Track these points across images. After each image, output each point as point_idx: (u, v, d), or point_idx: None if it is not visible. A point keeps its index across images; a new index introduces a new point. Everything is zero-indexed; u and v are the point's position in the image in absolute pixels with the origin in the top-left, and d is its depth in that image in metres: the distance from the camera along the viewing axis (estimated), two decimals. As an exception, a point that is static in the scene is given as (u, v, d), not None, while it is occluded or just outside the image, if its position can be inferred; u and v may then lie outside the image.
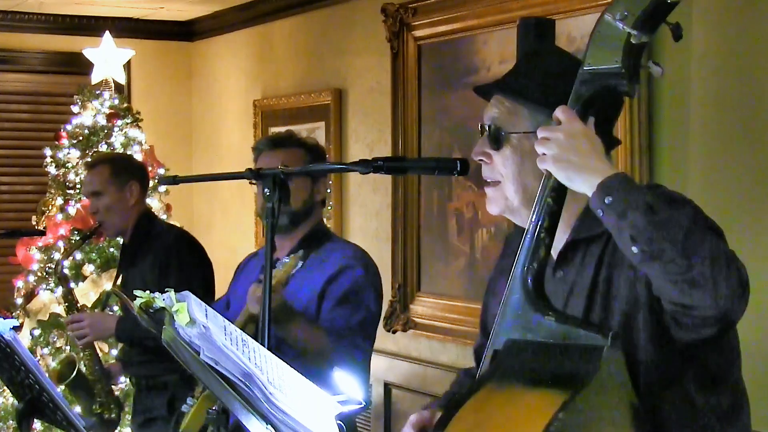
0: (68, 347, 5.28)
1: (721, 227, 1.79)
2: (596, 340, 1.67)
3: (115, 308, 5.02)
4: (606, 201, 1.70)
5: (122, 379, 5.28)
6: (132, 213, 4.08)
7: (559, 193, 1.81)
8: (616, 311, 1.91)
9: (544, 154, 1.79)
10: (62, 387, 4.01)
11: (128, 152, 5.76)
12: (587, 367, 1.63)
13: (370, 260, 3.21)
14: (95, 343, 4.19)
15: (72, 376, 3.99)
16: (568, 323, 1.72)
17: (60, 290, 4.35)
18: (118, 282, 4.36)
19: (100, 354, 5.12)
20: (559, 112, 1.80)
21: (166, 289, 1.71)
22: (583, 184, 1.75)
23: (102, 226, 4.13)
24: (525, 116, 2.02)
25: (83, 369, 4.14)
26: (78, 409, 4.15)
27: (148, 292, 1.69)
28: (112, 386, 4.27)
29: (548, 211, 1.81)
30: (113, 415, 4.11)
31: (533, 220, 1.82)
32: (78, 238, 4.49)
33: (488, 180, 2.06)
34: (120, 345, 4.50)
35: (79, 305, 4.34)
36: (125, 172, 4.09)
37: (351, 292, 3.06)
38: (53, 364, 4.18)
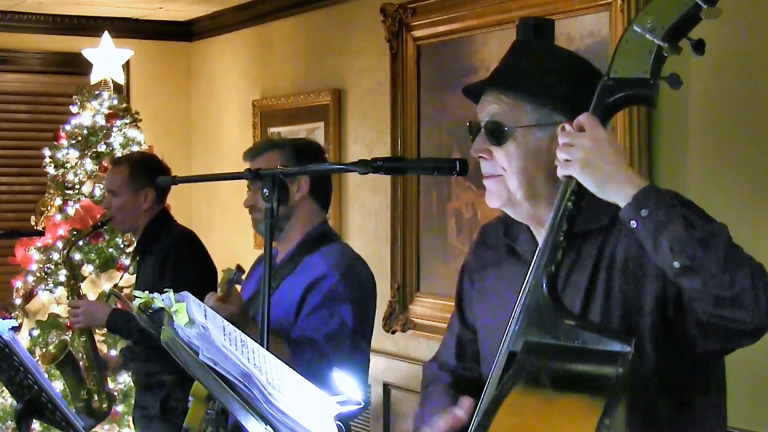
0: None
1: None
2: (619, 346, 1.69)
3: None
4: (642, 213, 1.72)
5: (123, 378, 5.29)
6: (144, 216, 4.15)
7: (578, 197, 1.83)
8: (615, 316, 1.93)
9: (566, 159, 1.80)
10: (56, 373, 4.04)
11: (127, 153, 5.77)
12: (614, 371, 1.65)
13: (354, 269, 3.09)
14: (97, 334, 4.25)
15: (62, 356, 4.02)
16: (588, 328, 1.74)
17: (65, 275, 4.40)
18: (126, 278, 4.42)
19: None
20: (583, 119, 1.81)
21: (165, 289, 1.70)
22: (614, 193, 1.77)
23: (112, 221, 4.23)
24: (528, 110, 2.02)
25: (78, 354, 4.19)
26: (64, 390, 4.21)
27: (147, 292, 1.69)
28: (107, 378, 4.29)
29: (568, 215, 1.82)
30: (104, 406, 4.13)
31: (552, 225, 1.83)
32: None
33: (488, 174, 2.06)
34: (118, 344, 4.53)
35: (81, 292, 4.40)
36: (143, 177, 4.13)
37: (323, 302, 2.98)
38: (50, 348, 4.24)
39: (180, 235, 4.19)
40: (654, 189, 1.75)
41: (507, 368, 1.77)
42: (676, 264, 1.69)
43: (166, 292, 1.69)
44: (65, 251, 4.49)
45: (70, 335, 5.07)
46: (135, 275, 4.35)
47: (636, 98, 1.83)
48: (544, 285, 1.79)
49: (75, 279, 4.40)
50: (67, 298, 4.38)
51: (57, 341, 4.39)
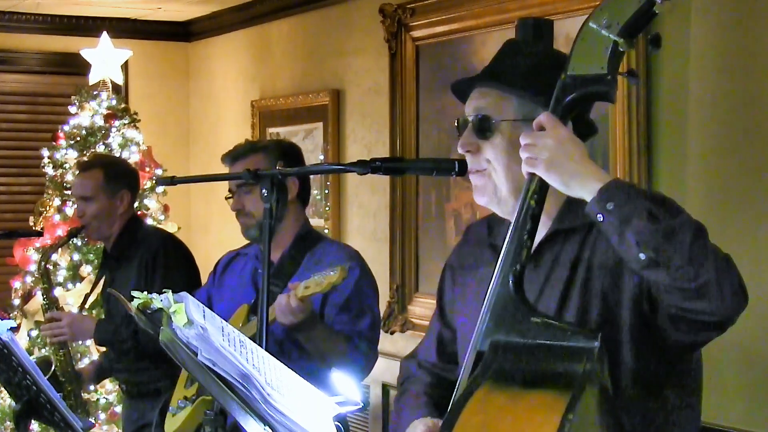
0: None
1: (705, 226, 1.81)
2: (585, 342, 1.69)
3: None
4: (608, 207, 1.73)
5: (110, 385, 5.24)
6: (119, 220, 4.03)
7: (541, 195, 1.84)
8: (592, 311, 1.94)
9: (529, 158, 1.82)
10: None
11: (126, 153, 5.75)
12: (580, 367, 1.66)
13: (364, 260, 3.19)
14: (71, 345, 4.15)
15: (48, 375, 3.97)
16: (553, 326, 1.74)
17: (41, 288, 4.31)
18: (99, 286, 4.35)
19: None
20: (543, 118, 1.83)
21: (164, 291, 1.70)
22: (580, 189, 1.78)
23: (86, 228, 4.09)
24: (514, 105, 2.05)
25: (56, 369, 4.10)
26: None
27: (146, 293, 1.69)
28: (83, 390, 4.24)
29: (531, 214, 1.84)
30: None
31: (516, 223, 1.84)
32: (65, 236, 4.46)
33: (474, 169, 2.08)
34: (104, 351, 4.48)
35: (58, 305, 4.31)
36: (118, 180, 4.04)
37: (353, 296, 3.04)
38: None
39: (164, 238, 4.11)
40: (619, 183, 1.76)
41: (475, 368, 1.77)
42: (642, 256, 1.70)
43: (165, 293, 1.69)
44: (41, 263, 4.36)
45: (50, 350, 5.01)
46: (107, 282, 4.15)
47: (594, 95, 1.84)
48: (510, 284, 1.79)
49: (51, 291, 4.26)
50: (44, 312, 4.21)
51: (39, 356, 4.31)
